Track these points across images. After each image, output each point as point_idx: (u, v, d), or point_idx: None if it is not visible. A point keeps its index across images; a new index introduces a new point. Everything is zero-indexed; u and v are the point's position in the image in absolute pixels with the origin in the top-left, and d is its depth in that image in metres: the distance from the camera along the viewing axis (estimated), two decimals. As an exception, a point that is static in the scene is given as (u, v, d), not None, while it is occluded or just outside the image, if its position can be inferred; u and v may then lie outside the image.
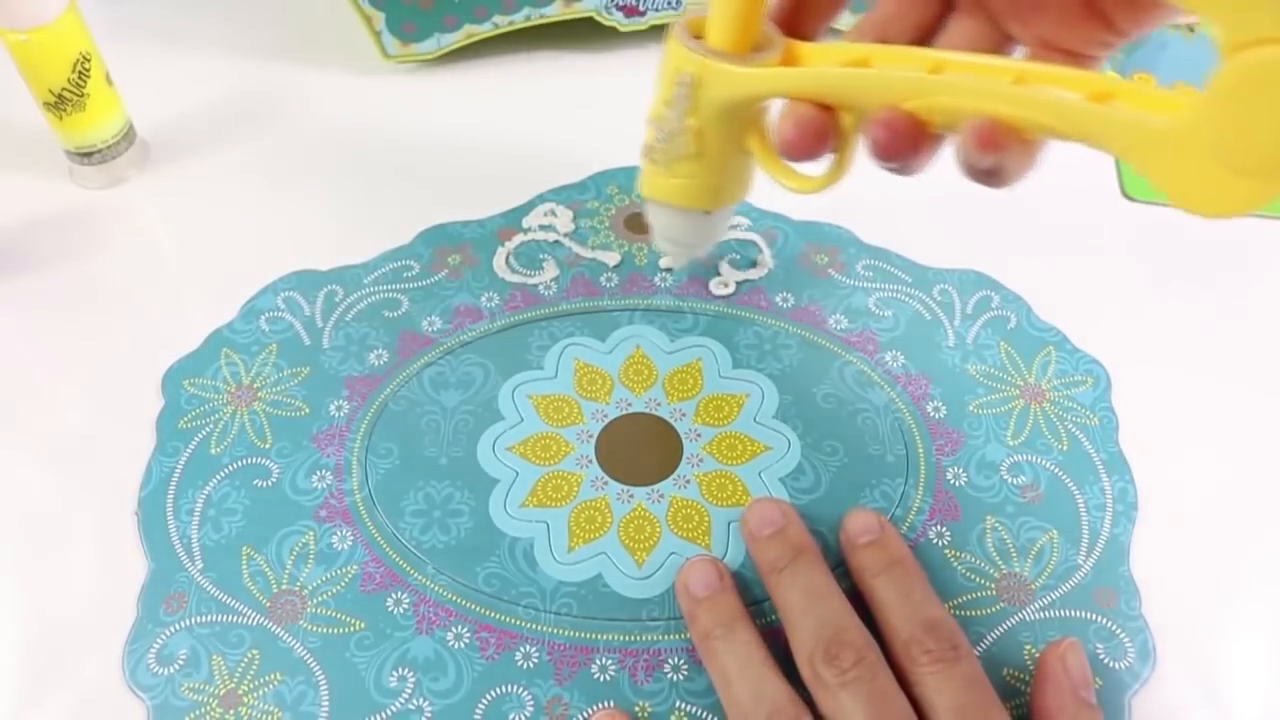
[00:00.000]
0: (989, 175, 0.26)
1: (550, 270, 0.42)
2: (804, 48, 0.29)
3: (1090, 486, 0.35)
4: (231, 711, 0.30)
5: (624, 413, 0.37)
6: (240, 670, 0.31)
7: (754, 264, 0.42)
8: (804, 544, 0.31)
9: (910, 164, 0.27)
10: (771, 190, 0.45)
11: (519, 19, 0.51)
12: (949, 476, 0.35)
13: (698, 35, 0.30)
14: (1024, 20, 0.28)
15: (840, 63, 0.28)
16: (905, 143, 0.26)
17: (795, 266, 0.42)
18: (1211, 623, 0.32)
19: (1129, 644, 0.32)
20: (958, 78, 0.25)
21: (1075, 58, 0.27)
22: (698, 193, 0.33)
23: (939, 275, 0.42)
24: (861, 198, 0.45)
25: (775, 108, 0.30)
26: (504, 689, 0.31)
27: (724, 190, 0.34)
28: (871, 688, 0.27)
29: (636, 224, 0.44)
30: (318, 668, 0.31)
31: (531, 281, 0.41)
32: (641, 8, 0.51)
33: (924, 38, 0.30)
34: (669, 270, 0.40)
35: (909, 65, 0.26)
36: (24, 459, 0.36)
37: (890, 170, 0.27)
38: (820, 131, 0.28)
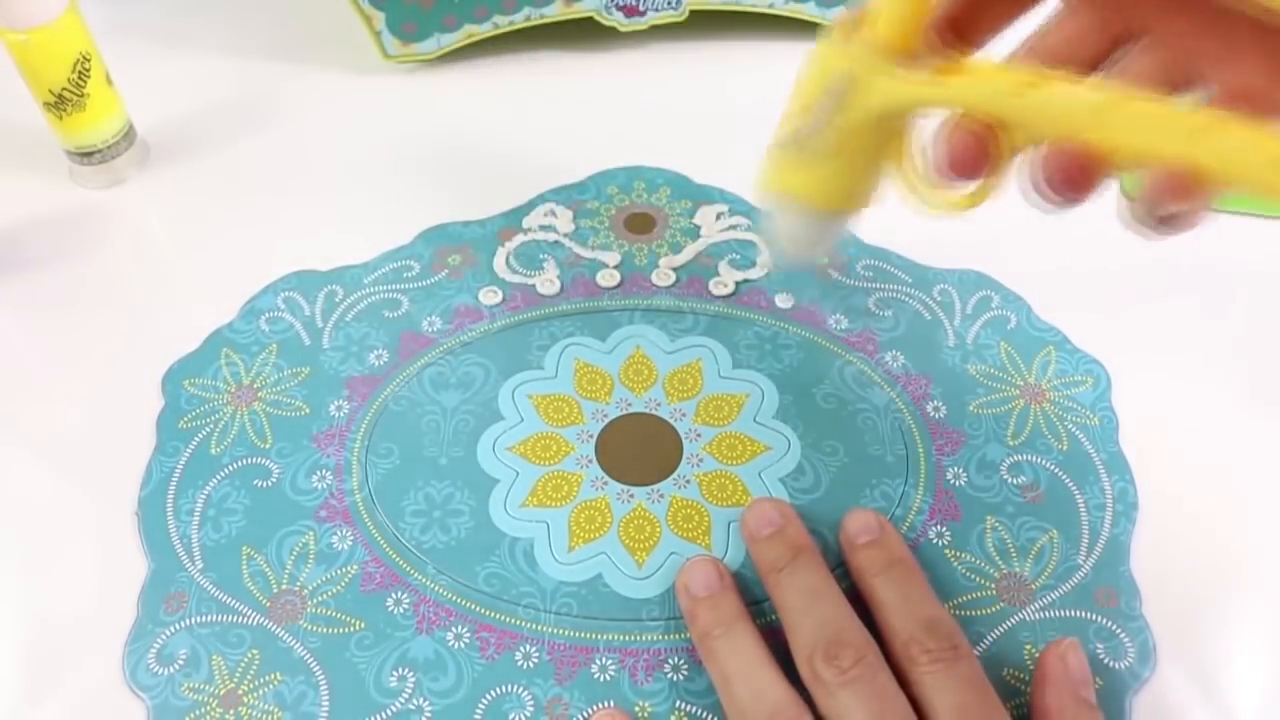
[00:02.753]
0: (1166, 222, 0.25)
1: (550, 270, 0.42)
2: (967, 61, 0.28)
3: (1090, 486, 0.35)
4: (231, 711, 0.30)
5: (624, 413, 0.37)
6: (240, 670, 0.31)
7: (754, 264, 0.42)
8: (803, 544, 0.31)
9: (1079, 200, 0.26)
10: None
11: (519, 19, 0.51)
12: (949, 476, 0.35)
13: (858, 31, 0.29)
14: (1221, 63, 0.26)
15: (1009, 83, 0.26)
16: (1081, 177, 0.25)
17: (795, 266, 0.42)
18: (1211, 623, 0.32)
19: (1129, 644, 0.32)
20: (1145, 115, 0.24)
21: (1269, 110, 0.24)
22: (826, 194, 0.32)
23: (939, 275, 0.42)
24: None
25: (923, 120, 0.29)
26: (504, 689, 0.31)
27: (853, 195, 0.32)
28: (871, 687, 0.27)
29: (636, 224, 0.44)
30: (318, 668, 0.31)
31: (531, 281, 0.41)
32: (641, 8, 0.51)
33: (1096, 66, 0.28)
34: (771, 272, 0.38)
35: (1084, 94, 0.25)
36: (24, 459, 0.36)
37: (1053, 205, 0.26)
38: (983, 149, 0.27)
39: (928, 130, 0.29)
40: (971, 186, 0.28)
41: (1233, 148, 0.23)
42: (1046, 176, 0.26)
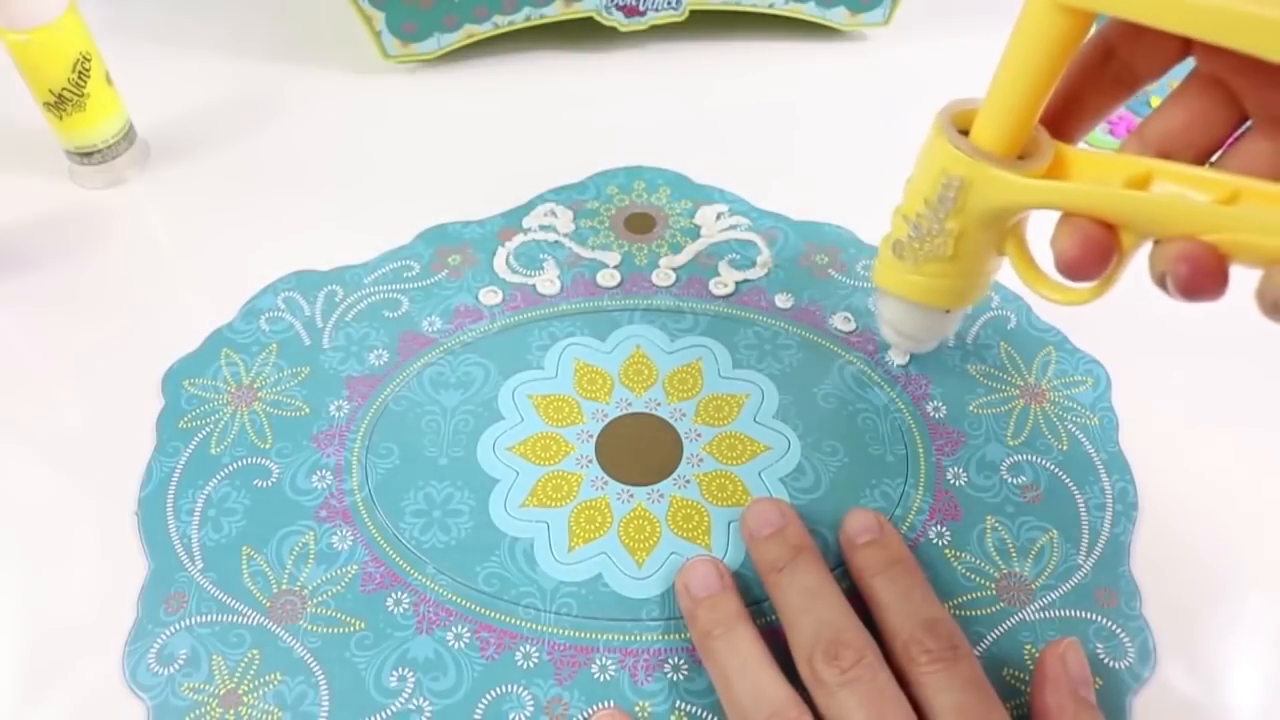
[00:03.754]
0: None
1: (550, 270, 0.42)
2: (1075, 155, 0.28)
3: (1090, 486, 0.35)
4: (231, 711, 0.30)
5: (624, 413, 0.37)
6: (240, 670, 0.31)
7: (754, 264, 0.42)
8: (803, 544, 0.31)
9: (1212, 298, 0.26)
10: (771, 190, 0.45)
11: (519, 19, 0.51)
12: (949, 476, 0.35)
13: (963, 130, 0.29)
14: None
15: (1120, 177, 0.26)
16: (1209, 280, 0.25)
17: (795, 266, 0.42)
18: (1211, 623, 0.32)
19: (1129, 644, 0.32)
20: (1262, 211, 0.24)
21: None
22: (941, 292, 0.33)
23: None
24: (861, 198, 0.45)
25: (1038, 215, 0.29)
26: (504, 689, 0.31)
27: (968, 292, 0.33)
28: (871, 687, 0.27)
29: (636, 224, 0.44)
30: (318, 668, 0.31)
31: (531, 281, 0.41)
32: (641, 8, 0.51)
33: (1210, 154, 0.28)
34: (902, 365, 0.38)
35: (1198, 188, 0.25)
36: (24, 459, 0.36)
37: (1186, 301, 0.26)
38: (1105, 251, 0.27)
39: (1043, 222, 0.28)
40: (1093, 282, 0.28)
41: None
42: (1173, 280, 0.25)
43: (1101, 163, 0.28)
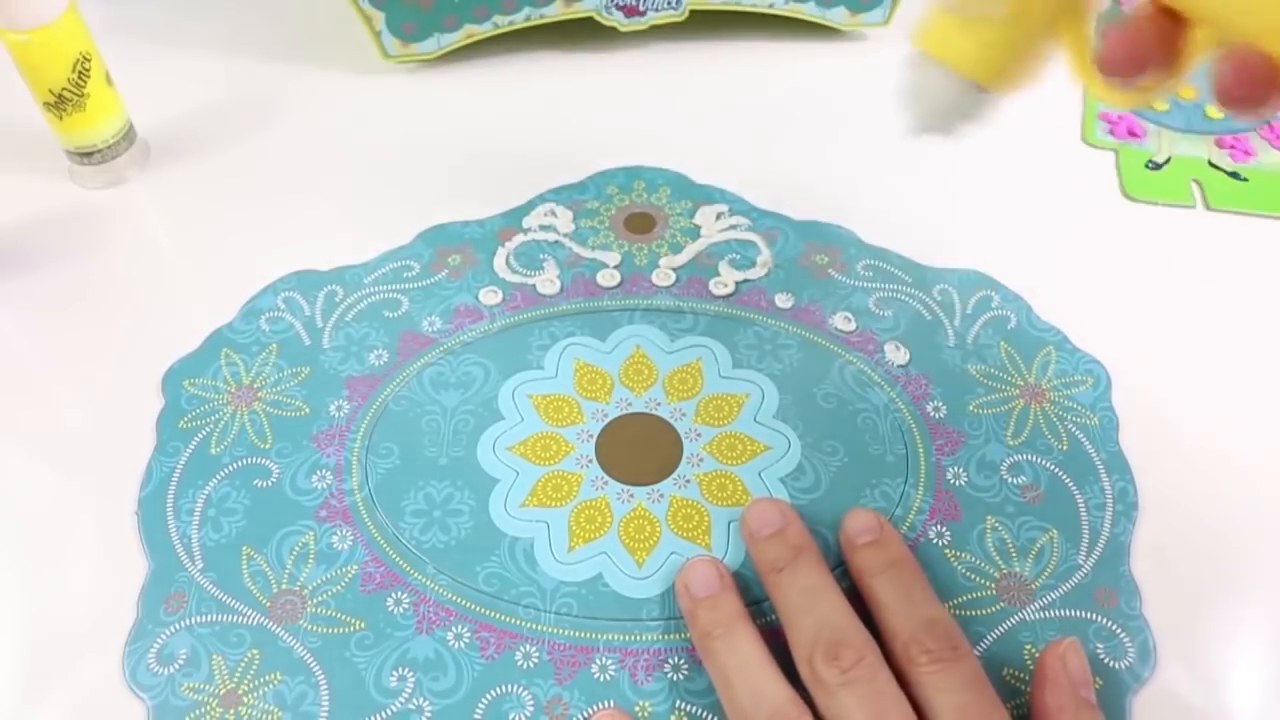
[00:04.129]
0: None
1: (550, 270, 0.42)
2: None
3: (1090, 486, 0.35)
4: (231, 711, 0.30)
5: (624, 412, 0.37)
6: (240, 670, 0.31)
7: (754, 264, 0.42)
8: (804, 544, 0.31)
9: (1252, 110, 0.24)
10: (771, 190, 0.45)
11: (519, 19, 0.51)
12: (949, 476, 0.35)
13: None
14: None
15: None
16: (1254, 88, 0.23)
17: (795, 266, 0.42)
18: (1211, 623, 0.32)
19: (1129, 644, 0.32)
20: None
21: None
22: (988, 64, 0.30)
23: (939, 275, 0.42)
24: (861, 198, 0.45)
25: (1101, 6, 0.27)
26: (504, 689, 0.31)
27: (1013, 71, 0.31)
28: (871, 688, 0.27)
29: (636, 224, 0.44)
30: (318, 668, 0.31)
31: (531, 281, 0.41)
32: (641, 8, 0.51)
33: None
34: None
35: None
36: (24, 459, 0.36)
37: (1229, 112, 0.25)
38: (1168, 45, 0.25)
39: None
40: (1144, 80, 0.27)
41: None
42: (1220, 85, 0.24)
43: None
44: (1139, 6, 0.26)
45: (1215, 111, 0.49)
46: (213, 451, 0.36)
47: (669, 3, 0.51)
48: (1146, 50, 0.25)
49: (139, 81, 0.47)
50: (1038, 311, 0.41)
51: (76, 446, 0.37)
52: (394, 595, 0.32)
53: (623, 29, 0.52)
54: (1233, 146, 0.48)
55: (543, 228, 0.44)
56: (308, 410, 0.37)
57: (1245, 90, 0.24)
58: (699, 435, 0.36)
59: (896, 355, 0.39)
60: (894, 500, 0.35)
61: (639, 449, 0.36)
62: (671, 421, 0.37)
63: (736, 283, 0.41)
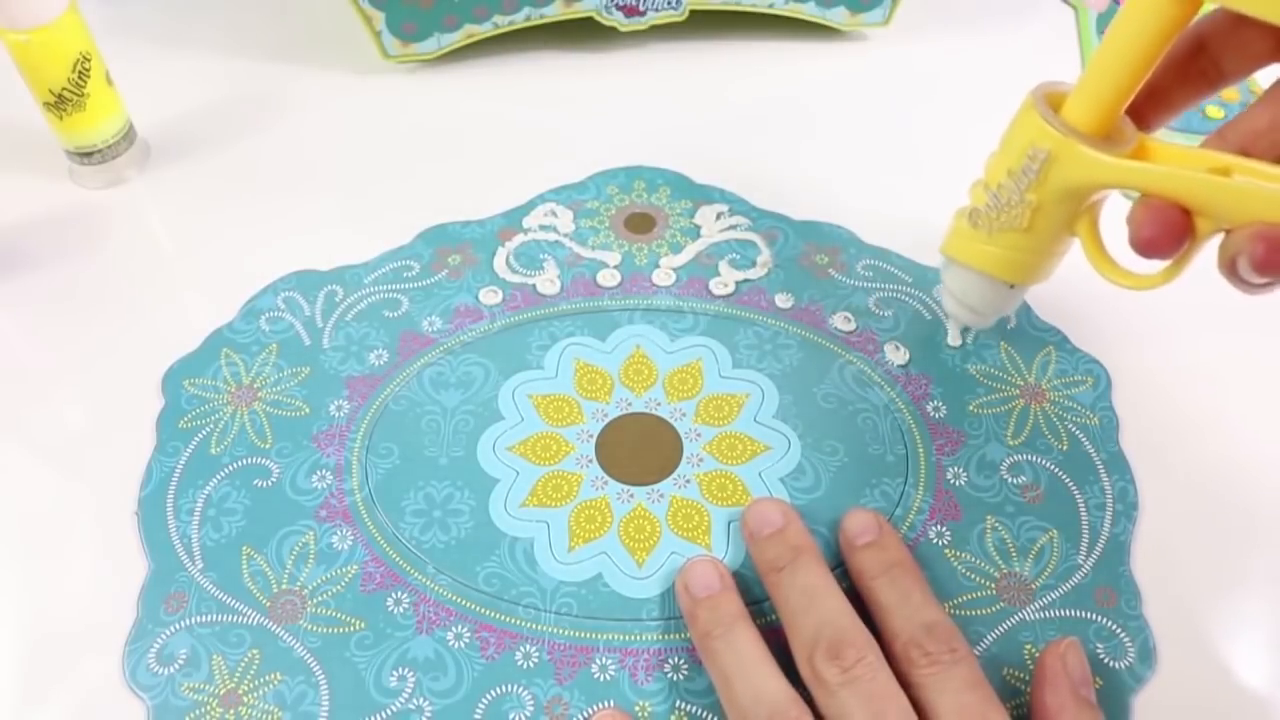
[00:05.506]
0: None
1: (550, 270, 0.42)
2: (1157, 145, 0.29)
3: (1090, 486, 0.35)
4: (231, 711, 0.30)
5: (624, 412, 0.37)
6: (240, 670, 0.31)
7: (754, 264, 0.42)
8: (804, 544, 0.31)
9: (1278, 282, 0.27)
10: (771, 190, 0.45)
11: (519, 19, 0.51)
12: (949, 476, 0.35)
13: (1055, 109, 0.30)
14: None
15: (1202, 168, 0.27)
16: None
17: (795, 266, 0.42)
18: (1211, 623, 0.32)
19: (1129, 644, 0.32)
20: None
21: None
22: (1011, 266, 0.33)
23: (939, 275, 0.42)
24: (861, 198, 0.45)
25: (1113, 199, 0.30)
26: (504, 689, 0.31)
27: (1037, 268, 0.34)
28: (872, 687, 0.27)
29: (636, 224, 0.44)
30: (318, 667, 0.31)
31: (531, 281, 0.41)
32: (641, 8, 0.51)
33: None
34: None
35: (1278, 181, 0.26)
36: (24, 459, 0.36)
37: (1251, 288, 0.27)
38: (1179, 232, 0.28)
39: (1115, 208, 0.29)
40: (1162, 265, 0.29)
41: None
42: (1248, 259, 0.26)
43: (1182, 154, 0.29)
44: (1141, 199, 0.28)
45: (1216, 111, 0.49)
46: (213, 451, 0.36)
47: (669, 3, 0.51)
48: (1178, 223, 0.27)
49: (139, 81, 0.47)
50: (1038, 311, 0.41)
51: (76, 446, 0.37)
52: (394, 595, 0.32)
53: (623, 29, 0.52)
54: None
55: (543, 228, 0.44)
56: (308, 410, 0.37)
57: (1274, 259, 0.26)
58: (699, 435, 0.36)
59: (896, 355, 0.39)
60: (894, 500, 0.35)
61: (639, 449, 0.36)
62: (671, 421, 0.37)
63: (736, 283, 0.41)
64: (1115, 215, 0.30)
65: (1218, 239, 0.28)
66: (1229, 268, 0.27)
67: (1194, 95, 0.31)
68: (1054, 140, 0.30)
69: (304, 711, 0.30)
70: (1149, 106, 0.31)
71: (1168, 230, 0.28)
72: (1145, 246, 0.28)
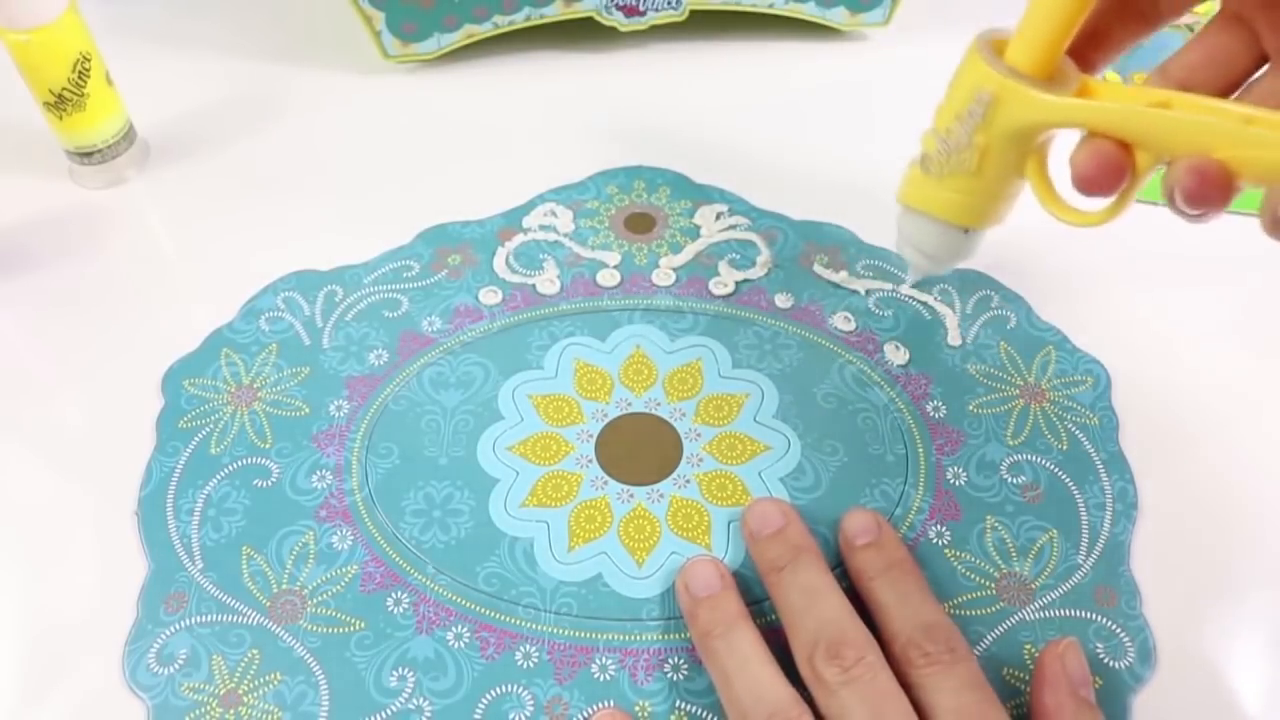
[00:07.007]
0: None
1: (550, 270, 0.42)
2: (1098, 84, 0.30)
3: (1090, 486, 0.35)
4: (231, 711, 0.30)
5: (624, 412, 0.37)
6: (240, 670, 0.31)
7: (754, 264, 0.42)
8: (804, 544, 0.31)
9: (1212, 213, 0.27)
10: (771, 190, 0.45)
11: (519, 19, 0.51)
12: (949, 476, 0.35)
13: (999, 54, 0.30)
14: None
15: (1142, 103, 0.28)
16: (1214, 192, 0.26)
17: (795, 266, 0.42)
18: (1211, 623, 0.32)
19: (1129, 644, 0.32)
20: (1276, 131, 0.25)
21: None
22: (964, 209, 0.34)
23: (939, 275, 0.42)
24: (861, 198, 0.45)
25: (1060, 140, 0.31)
26: (504, 689, 0.31)
27: (989, 211, 0.34)
28: (872, 687, 0.27)
29: (636, 224, 0.44)
30: (318, 667, 0.31)
31: (531, 281, 0.41)
32: (641, 8, 0.51)
33: (1229, 92, 0.29)
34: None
35: (1216, 116, 0.26)
36: (24, 459, 0.36)
37: (1189, 217, 0.27)
38: (1119, 168, 0.28)
39: (1062, 148, 0.30)
40: (1106, 202, 0.30)
41: None
42: (1181, 192, 0.26)
43: (1123, 91, 0.29)
44: (1084, 137, 0.29)
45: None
46: (213, 451, 0.36)
47: (669, 3, 0.51)
48: (1117, 160, 0.28)
49: (139, 81, 0.47)
50: (1038, 311, 0.41)
51: (76, 446, 0.37)
52: (394, 595, 0.32)
53: (623, 29, 0.52)
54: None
55: (543, 228, 0.44)
56: (308, 410, 0.37)
57: (1208, 193, 0.26)
58: (699, 435, 0.36)
59: (896, 355, 0.39)
60: (894, 500, 0.35)
61: (639, 449, 0.36)
62: (671, 421, 0.37)
63: (736, 282, 0.41)
64: (1065, 157, 0.30)
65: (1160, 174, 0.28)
66: (1169, 199, 0.27)
67: (1133, 35, 0.31)
68: (996, 82, 0.30)
69: (304, 711, 0.30)
70: (1090, 47, 0.31)
71: (1105, 168, 0.28)
72: (1085, 184, 0.29)
